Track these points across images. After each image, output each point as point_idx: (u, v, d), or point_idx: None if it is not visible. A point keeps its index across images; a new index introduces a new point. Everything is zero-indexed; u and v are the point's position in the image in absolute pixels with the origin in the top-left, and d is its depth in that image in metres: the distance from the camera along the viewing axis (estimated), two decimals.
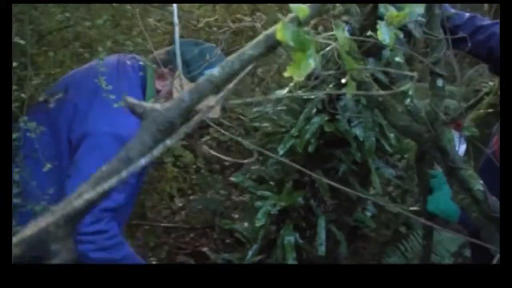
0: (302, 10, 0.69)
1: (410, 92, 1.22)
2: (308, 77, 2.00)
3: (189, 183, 3.34)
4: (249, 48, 0.68)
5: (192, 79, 1.65)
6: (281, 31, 0.66)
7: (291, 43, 0.66)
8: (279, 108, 2.11)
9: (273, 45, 0.68)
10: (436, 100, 1.11)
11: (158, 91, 1.79)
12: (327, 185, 1.97)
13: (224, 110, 2.88)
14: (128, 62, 1.79)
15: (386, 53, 1.52)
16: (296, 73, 0.64)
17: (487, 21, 1.60)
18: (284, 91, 2.00)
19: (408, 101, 1.20)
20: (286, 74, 0.68)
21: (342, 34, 0.99)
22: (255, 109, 2.11)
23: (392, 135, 1.89)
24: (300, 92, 1.98)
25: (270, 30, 0.68)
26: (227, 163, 3.69)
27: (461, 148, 1.62)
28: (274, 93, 2.03)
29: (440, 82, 1.11)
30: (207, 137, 3.60)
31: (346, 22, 1.42)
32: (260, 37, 0.69)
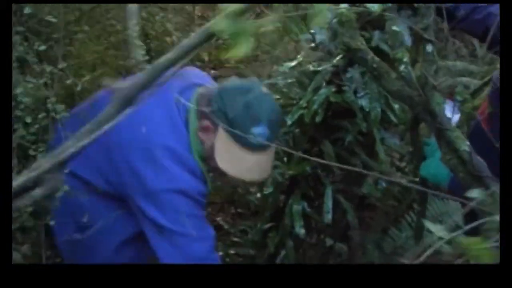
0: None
1: (405, 59, 1.28)
2: (315, 50, 2.08)
3: None
4: (189, 39, 0.79)
5: (237, 139, 1.63)
6: (216, 25, 0.73)
7: (226, 35, 0.73)
8: (289, 81, 2.18)
9: (210, 35, 0.77)
10: (426, 65, 1.17)
11: (201, 141, 1.73)
12: (334, 155, 2.04)
13: None
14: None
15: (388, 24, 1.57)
16: (234, 55, 0.71)
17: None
18: (293, 63, 2.07)
19: (402, 67, 1.26)
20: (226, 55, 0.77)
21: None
22: (265, 82, 2.18)
23: (396, 106, 1.95)
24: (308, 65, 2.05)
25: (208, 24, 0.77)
26: None
27: (455, 118, 1.67)
28: (283, 65, 2.09)
29: (429, 48, 1.17)
30: None
31: None
32: (201, 29, 0.78)
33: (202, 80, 1.90)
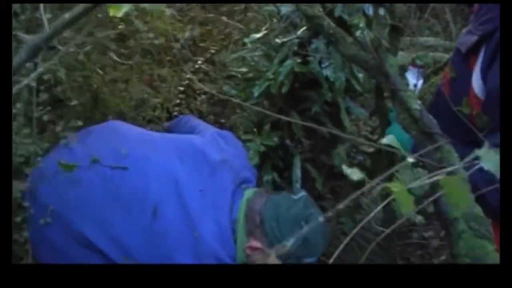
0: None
1: (361, 25, 1.33)
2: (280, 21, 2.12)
3: None
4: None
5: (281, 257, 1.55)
6: None
7: None
8: (256, 53, 2.22)
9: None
10: (379, 28, 1.23)
11: (247, 255, 1.75)
12: (301, 125, 2.10)
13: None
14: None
15: None
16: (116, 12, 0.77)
17: None
18: (258, 35, 2.12)
19: (358, 32, 1.32)
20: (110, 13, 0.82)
21: None
22: (232, 55, 2.22)
23: (361, 75, 2.01)
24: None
25: None
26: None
27: (418, 83, 1.74)
28: (249, 37, 2.14)
29: (382, 11, 1.23)
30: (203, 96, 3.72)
31: None
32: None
33: (246, 169, 1.96)
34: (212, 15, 3.26)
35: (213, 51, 3.15)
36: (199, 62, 2.86)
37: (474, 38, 1.32)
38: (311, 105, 2.10)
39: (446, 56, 3.32)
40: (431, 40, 4.33)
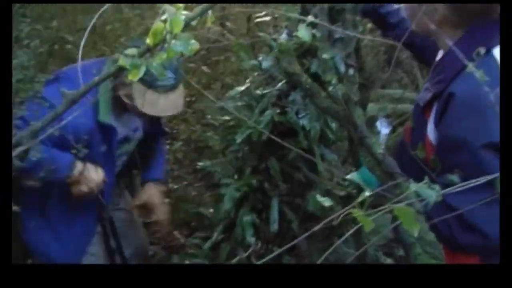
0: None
1: (333, 81, 1.58)
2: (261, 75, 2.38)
3: None
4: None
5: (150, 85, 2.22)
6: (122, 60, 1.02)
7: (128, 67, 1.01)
8: (238, 103, 2.46)
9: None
10: (348, 84, 1.48)
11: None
12: (279, 170, 2.33)
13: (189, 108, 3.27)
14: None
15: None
16: (134, 77, 0.99)
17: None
18: (241, 88, 2.37)
19: (331, 88, 1.57)
20: (129, 78, 1.02)
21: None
22: (216, 105, 2.46)
23: (334, 125, 2.26)
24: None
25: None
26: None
27: (385, 131, 1.99)
28: (234, 90, 2.38)
29: (351, 71, 1.48)
30: (180, 142, 3.95)
31: (286, 27, 1.79)
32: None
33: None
34: (193, 64, 3.52)
35: (193, 98, 3.40)
36: None
37: (429, 95, 1.57)
38: (288, 152, 2.33)
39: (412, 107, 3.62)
40: (399, 92, 4.64)
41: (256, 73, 2.47)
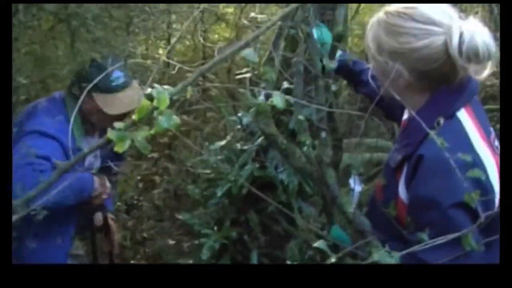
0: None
1: (308, 142, 1.68)
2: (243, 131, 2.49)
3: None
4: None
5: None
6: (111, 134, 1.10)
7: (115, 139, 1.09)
8: (219, 157, 2.56)
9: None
10: (321, 147, 1.58)
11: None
12: (258, 222, 2.41)
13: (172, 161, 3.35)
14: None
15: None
16: (121, 148, 1.07)
17: None
18: (222, 142, 2.47)
19: (305, 148, 1.67)
20: (116, 149, 1.10)
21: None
22: (198, 158, 2.55)
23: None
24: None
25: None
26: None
27: (358, 188, 2.09)
28: (214, 144, 2.48)
29: (323, 134, 1.59)
30: (159, 189, 4.02)
31: (263, 88, 1.90)
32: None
33: None
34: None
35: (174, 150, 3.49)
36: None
37: (399, 157, 1.67)
38: (267, 205, 2.42)
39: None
40: (372, 140, 4.75)
41: (236, 128, 2.58)
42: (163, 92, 1.04)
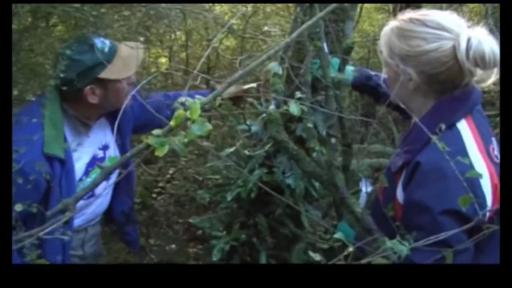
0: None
1: (317, 148, 1.85)
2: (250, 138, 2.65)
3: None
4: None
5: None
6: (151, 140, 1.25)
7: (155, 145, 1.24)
8: (228, 163, 2.72)
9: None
10: (331, 152, 1.75)
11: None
12: (267, 225, 2.57)
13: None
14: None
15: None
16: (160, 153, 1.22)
17: None
18: (231, 149, 2.63)
19: (314, 154, 1.84)
20: (156, 153, 1.24)
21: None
22: (208, 165, 2.72)
23: (317, 184, 2.52)
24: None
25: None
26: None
27: (368, 189, 2.25)
28: (224, 151, 2.64)
29: (333, 140, 1.76)
30: (164, 195, 4.17)
31: (274, 98, 2.07)
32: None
33: None
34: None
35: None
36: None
37: (400, 162, 1.83)
38: (275, 208, 2.58)
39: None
40: (377, 147, 4.91)
41: (245, 135, 2.74)
42: (195, 102, 1.21)
